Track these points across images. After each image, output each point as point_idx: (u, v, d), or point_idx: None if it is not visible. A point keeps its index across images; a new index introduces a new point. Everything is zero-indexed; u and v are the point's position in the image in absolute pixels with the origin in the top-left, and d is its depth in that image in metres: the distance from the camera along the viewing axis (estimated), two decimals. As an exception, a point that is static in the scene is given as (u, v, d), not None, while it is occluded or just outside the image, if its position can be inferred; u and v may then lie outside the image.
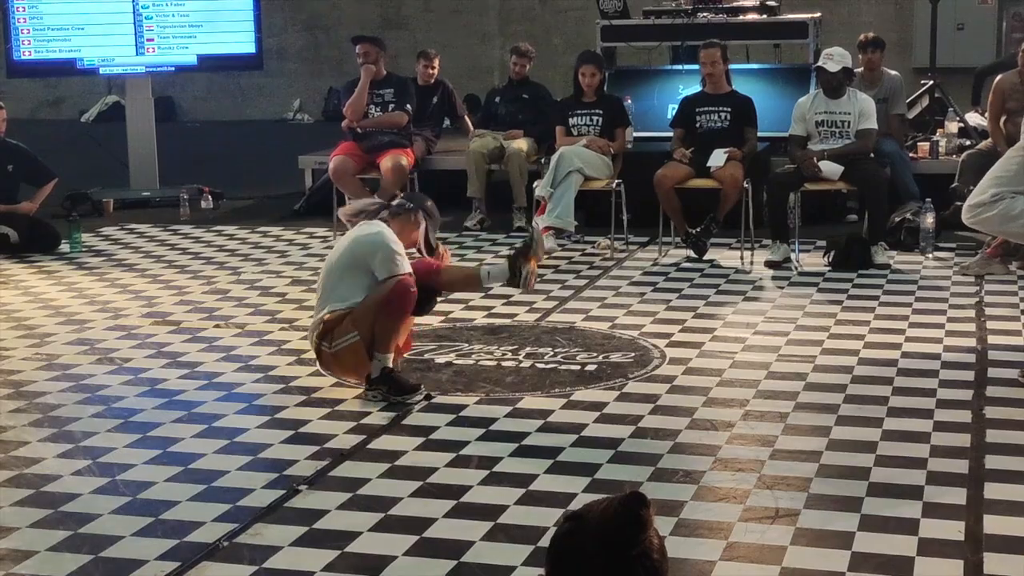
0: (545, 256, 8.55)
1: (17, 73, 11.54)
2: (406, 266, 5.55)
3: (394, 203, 5.92)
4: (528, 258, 5.78)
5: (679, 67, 10.55)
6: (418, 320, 6.84)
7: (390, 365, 5.51)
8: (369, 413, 5.39)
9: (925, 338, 6.42)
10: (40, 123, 16.61)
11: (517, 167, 9.56)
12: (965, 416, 5.22)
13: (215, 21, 11.19)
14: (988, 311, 6.92)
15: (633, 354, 6.23)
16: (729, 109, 8.73)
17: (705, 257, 8.43)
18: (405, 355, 5.91)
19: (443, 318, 6.96)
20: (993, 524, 4.17)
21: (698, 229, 8.47)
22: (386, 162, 9.32)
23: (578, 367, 6.03)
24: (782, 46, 11.31)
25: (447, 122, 10.81)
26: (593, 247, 8.90)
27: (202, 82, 17.64)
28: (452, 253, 8.75)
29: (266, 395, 5.72)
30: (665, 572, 1.89)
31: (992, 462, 4.71)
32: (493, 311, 7.15)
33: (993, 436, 4.99)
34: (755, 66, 10.89)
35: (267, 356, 6.31)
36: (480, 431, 5.15)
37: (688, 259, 8.44)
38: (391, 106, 9.66)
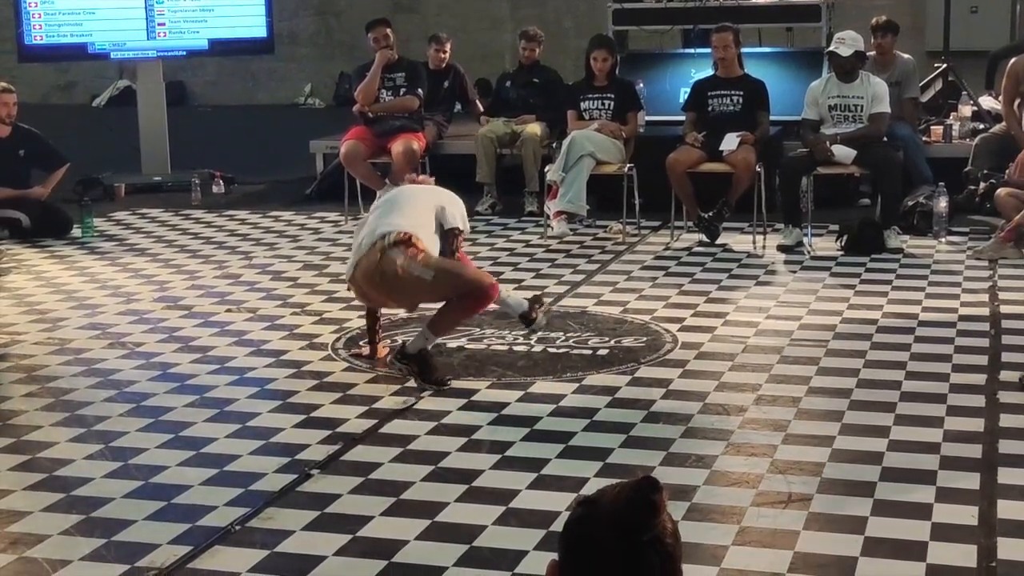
0: (556, 242, 8.57)
1: (28, 58, 11.53)
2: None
3: None
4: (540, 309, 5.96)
5: (691, 51, 10.51)
6: (429, 305, 6.86)
7: (429, 348, 5.51)
8: (381, 398, 5.39)
9: (938, 322, 6.39)
10: (51, 108, 16.61)
11: (532, 151, 9.54)
12: (979, 401, 5.21)
13: (226, 5, 11.16)
14: (1001, 295, 6.90)
15: (645, 338, 6.22)
16: (741, 93, 8.70)
17: (717, 241, 8.41)
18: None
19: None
20: (1007, 509, 4.16)
21: (710, 213, 8.44)
22: (397, 146, 9.31)
23: (590, 352, 6.02)
24: (795, 29, 11.25)
25: (458, 106, 10.79)
26: (605, 231, 8.88)
27: (213, 66, 17.62)
28: (464, 237, 8.76)
29: (278, 379, 5.72)
30: (679, 557, 1.88)
31: (1006, 447, 4.70)
32: (505, 295, 7.14)
33: (1007, 421, 4.97)
34: (767, 49, 10.84)
35: (279, 340, 6.31)
36: (492, 415, 5.15)
37: (700, 243, 8.42)
38: (402, 90, 9.64)
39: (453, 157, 10.08)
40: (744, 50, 9.06)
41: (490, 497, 4.32)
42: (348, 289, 5.96)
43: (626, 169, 8.75)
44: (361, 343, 6.07)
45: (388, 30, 9.74)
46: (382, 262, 5.44)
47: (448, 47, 10.49)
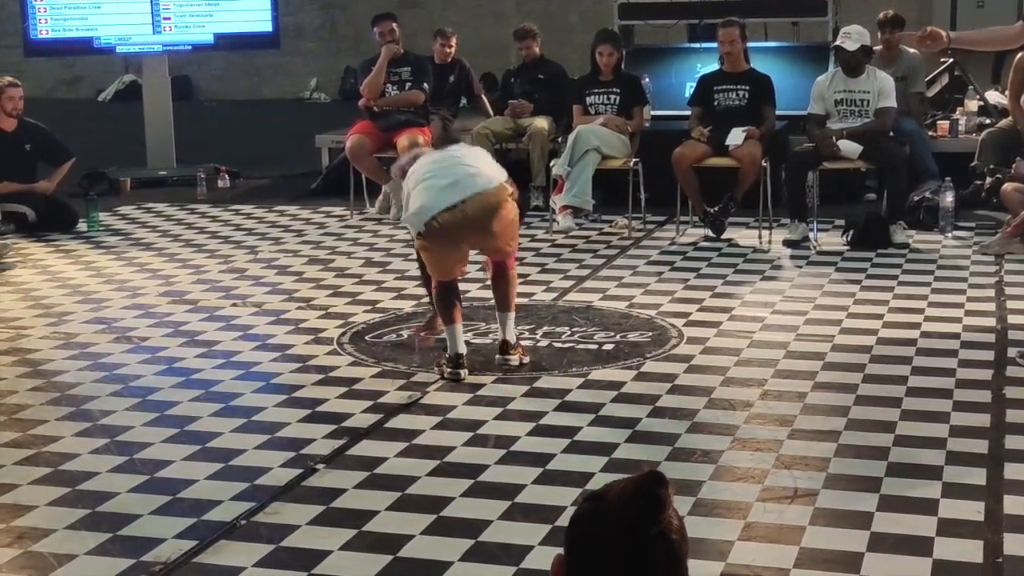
0: (561, 236, 8.57)
1: (34, 52, 11.54)
2: None
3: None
4: None
5: (696, 45, 10.51)
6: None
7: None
8: (386, 392, 5.39)
9: (944, 317, 6.38)
10: (57, 102, 16.62)
11: (539, 146, 9.52)
12: (985, 396, 5.20)
13: (232, 0, 11.17)
14: (1008, 290, 6.89)
15: (651, 333, 6.21)
16: (747, 87, 8.68)
17: (723, 236, 8.40)
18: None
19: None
20: (1013, 504, 4.15)
21: (716, 208, 8.44)
22: (403, 141, 9.30)
23: (595, 346, 6.02)
24: (800, 24, 11.25)
25: (464, 101, 10.79)
26: (610, 226, 8.87)
27: (219, 61, 17.62)
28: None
29: (283, 374, 5.73)
30: (684, 553, 1.88)
31: (1012, 442, 4.69)
32: (510, 290, 7.14)
33: (1013, 416, 4.96)
34: (773, 44, 10.84)
35: (284, 335, 6.31)
36: (497, 410, 5.15)
37: (706, 238, 8.41)
38: (408, 85, 9.64)
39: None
40: (750, 45, 9.03)
41: (496, 492, 4.32)
42: (417, 237, 5.61)
43: (632, 164, 8.74)
44: (419, 333, 6.08)
45: (394, 24, 9.74)
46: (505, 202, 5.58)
47: (454, 41, 10.48)
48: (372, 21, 9.95)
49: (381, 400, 5.30)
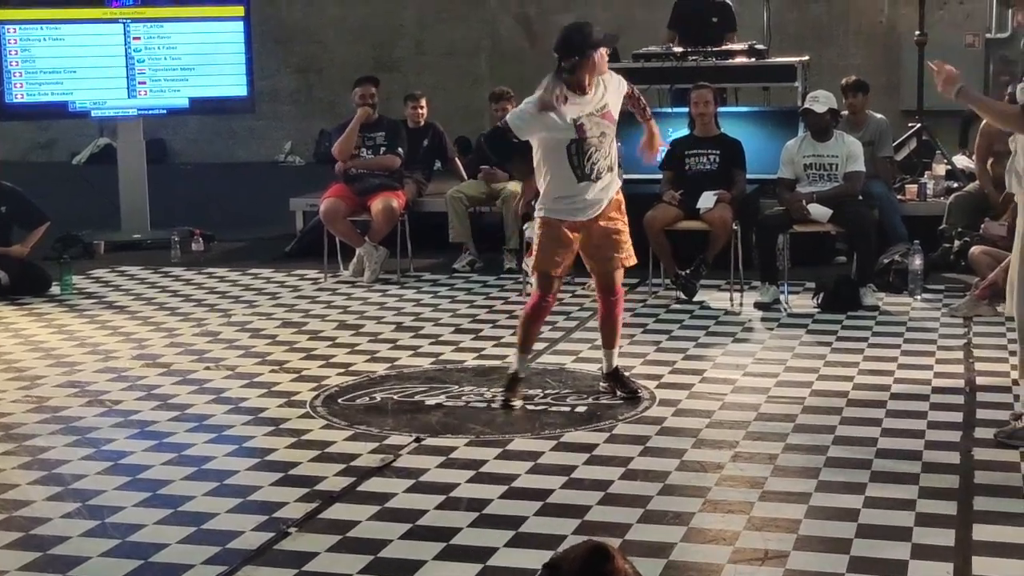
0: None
1: (9, 116, 11.57)
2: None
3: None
4: None
5: (668, 110, 10.60)
6: (408, 362, 6.89)
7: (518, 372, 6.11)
8: (359, 455, 5.39)
9: (914, 379, 6.44)
10: (31, 165, 16.63)
11: (513, 209, 9.58)
12: (954, 457, 5.24)
13: (207, 64, 11.22)
14: (976, 352, 6.95)
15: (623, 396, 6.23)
16: (718, 151, 8.78)
17: (694, 299, 8.46)
18: None
19: (433, 360, 6.98)
20: (982, 566, 4.18)
21: (687, 271, 8.50)
22: (377, 204, 9.36)
23: (568, 409, 6.04)
24: (771, 89, 11.39)
25: (438, 164, 10.85)
26: (583, 288, 8.89)
27: (194, 124, 17.67)
28: (441, 295, 8.78)
29: (256, 437, 5.72)
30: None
31: (981, 503, 4.72)
32: (484, 352, 7.17)
33: (981, 477, 5.00)
34: (744, 109, 10.95)
35: (257, 398, 6.31)
36: (470, 473, 5.16)
37: (678, 301, 8.46)
38: (383, 149, 9.70)
39: (433, 215, 10.12)
40: (721, 109, 9.15)
41: (468, 555, 4.32)
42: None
43: (604, 227, 8.77)
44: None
45: (374, 89, 9.80)
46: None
47: (424, 103, 10.55)
48: (355, 82, 9.99)
49: (354, 463, 5.30)
